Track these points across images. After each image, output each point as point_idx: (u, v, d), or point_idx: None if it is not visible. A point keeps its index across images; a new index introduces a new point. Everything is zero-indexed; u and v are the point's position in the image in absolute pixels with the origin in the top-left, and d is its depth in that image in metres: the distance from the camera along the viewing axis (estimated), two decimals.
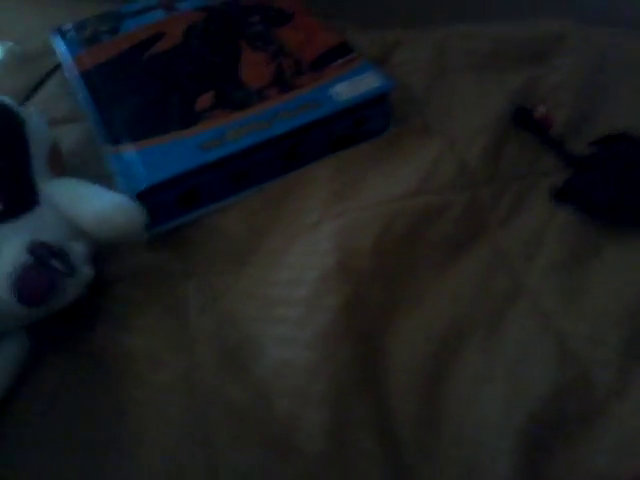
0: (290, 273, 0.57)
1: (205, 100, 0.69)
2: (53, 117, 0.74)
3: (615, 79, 0.72)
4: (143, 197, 0.59)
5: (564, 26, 0.78)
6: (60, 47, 0.79)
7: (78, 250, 0.51)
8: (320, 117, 0.67)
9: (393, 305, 0.54)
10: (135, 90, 0.72)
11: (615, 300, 0.53)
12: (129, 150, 0.63)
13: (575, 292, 0.54)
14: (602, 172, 0.62)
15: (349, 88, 0.70)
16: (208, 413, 0.49)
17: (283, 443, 0.47)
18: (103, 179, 0.58)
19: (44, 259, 0.49)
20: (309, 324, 0.52)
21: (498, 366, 0.50)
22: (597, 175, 0.62)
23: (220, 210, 0.64)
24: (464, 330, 0.52)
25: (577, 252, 0.57)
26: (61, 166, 0.61)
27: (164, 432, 0.48)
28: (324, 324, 0.51)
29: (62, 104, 0.76)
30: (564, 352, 0.50)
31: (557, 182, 0.63)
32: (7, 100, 0.57)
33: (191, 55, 0.77)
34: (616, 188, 0.60)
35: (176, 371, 0.51)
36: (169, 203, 0.63)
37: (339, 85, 0.70)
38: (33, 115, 0.59)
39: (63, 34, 0.81)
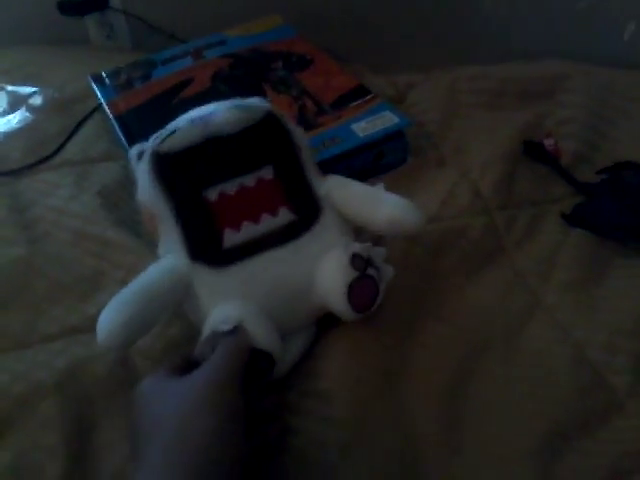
0: None
1: None
2: (91, 156, 0.80)
3: (618, 112, 0.77)
4: None
5: (566, 65, 0.84)
6: (96, 92, 0.85)
7: (378, 253, 0.54)
8: (342, 151, 0.72)
9: (416, 320, 0.57)
10: None
11: (627, 314, 0.56)
12: None
13: (590, 307, 0.57)
14: (610, 197, 0.66)
15: (368, 125, 0.75)
16: None
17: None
18: (138, 215, 0.61)
19: (364, 270, 0.53)
20: None
21: (519, 373, 0.53)
22: (605, 200, 0.66)
23: None
24: (484, 343, 0.55)
25: (590, 271, 0.61)
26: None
27: None
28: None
29: (99, 144, 0.81)
30: (582, 360, 0.53)
31: (568, 208, 0.67)
32: (275, 109, 0.57)
33: (218, 99, 0.82)
34: (623, 211, 0.64)
35: None
36: None
37: (359, 123, 0.75)
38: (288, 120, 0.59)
39: (99, 80, 0.87)
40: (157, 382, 0.45)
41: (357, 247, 0.53)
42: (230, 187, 0.54)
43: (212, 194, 0.53)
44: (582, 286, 0.59)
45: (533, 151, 0.75)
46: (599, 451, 0.47)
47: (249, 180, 0.55)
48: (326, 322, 0.57)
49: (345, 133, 0.74)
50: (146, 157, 0.54)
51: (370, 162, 0.75)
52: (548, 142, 0.74)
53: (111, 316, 0.47)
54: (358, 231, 0.57)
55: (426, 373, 0.53)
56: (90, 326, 0.49)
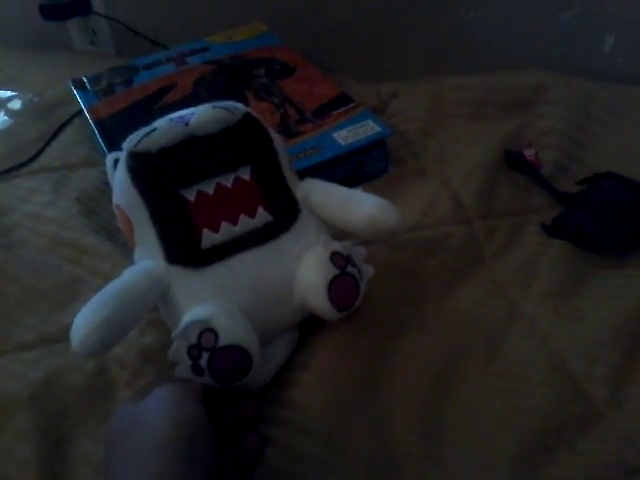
0: None
1: None
2: (70, 162, 0.79)
3: (598, 124, 0.78)
4: None
5: (547, 76, 0.84)
6: (77, 98, 0.84)
7: (358, 252, 0.54)
8: (323, 160, 0.72)
9: (397, 329, 0.57)
10: None
11: (606, 323, 0.56)
12: None
13: (569, 317, 0.57)
14: (589, 208, 0.67)
15: (350, 134, 0.75)
16: None
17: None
18: (116, 221, 0.60)
19: (344, 268, 0.53)
20: None
21: (498, 383, 0.53)
22: (585, 211, 0.67)
23: None
24: (464, 352, 0.55)
25: (569, 281, 0.61)
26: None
27: None
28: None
29: (79, 150, 0.80)
30: (561, 370, 0.53)
31: (548, 218, 0.67)
32: (252, 111, 0.57)
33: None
34: (603, 221, 0.64)
35: None
36: None
37: (340, 132, 0.75)
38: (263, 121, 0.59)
39: (80, 85, 0.86)
40: (127, 407, 0.45)
41: (337, 245, 0.53)
42: (208, 187, 0.54)
43: (190, 194, 0.53)
44: (562, 296, 0.59)
45: (514, 161, 0.75)
46: (578, 462, 0.47)
47: (227, 180, 0.54)
48: (308, 328, 0.56)
49: (327, 141, 0.74)
50: (123, 157, 0.54)
51: (351, 171, 0.75)
52: (528, 152, 0.75)
53: (86, 319, 0.46)
54: (337, 236, 0.57)
55: (406, 381, 0.53)
56: (66, 335, 0.48)
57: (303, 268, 0.54)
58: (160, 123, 0.54)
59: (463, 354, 0.55)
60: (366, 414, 0.51)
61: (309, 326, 0.57)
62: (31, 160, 0.79)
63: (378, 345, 0.56)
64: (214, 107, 0.56)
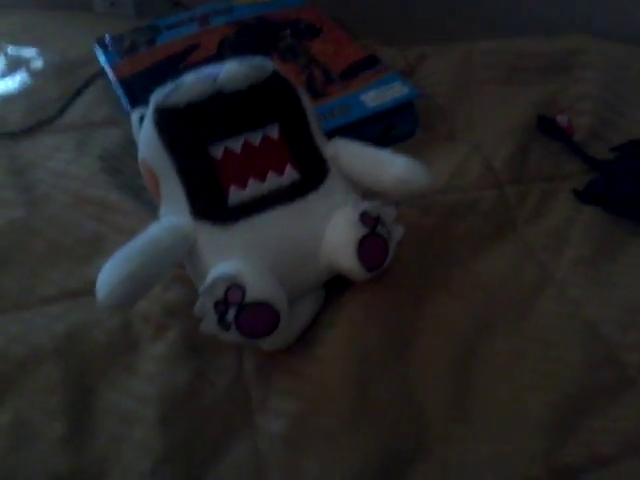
0: None
1: None
2: (92, 120, 0.78)
3: (633, 90, 0.75)
4: None
5: (583, 41, 0.81)
6: (100, 57, 0.83)
7: (388, 212, 0.53)
8: (350, 121, 0.70)
9: (425, 291, 0.56)
10: None
11: None
12: None
13: (602, 283, 0.56)
14: (624, 174, 0.65)
15: (377, 96, 0.73)
16: None
17: None
18: (140, 179, 0.59)
19: (374, 228, 0.52)
20: None
21: (529, 347, 0.52)
22: (619, 177, 0.65)
23: None
24: (493, 317, 0.54)
25: (602, 247, 0.60)
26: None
27: None
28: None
29: (101, 109, 0.79)
30: (594, 336, 0.52)
31: (581, 184, 0.66)
32: (281, 69, 0.56)
33: None
34: (637, 188, 0.63)
35: None
36: None
37: (368, 93, 0.73)
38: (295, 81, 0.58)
39: (103, 45, 0.84)
40: None
41: (366, 205, 0.52)
42: (235, 144, 0.53)
43: (217, 151, 0.52)
44: (594, 263, 0.58)
45: (546, 127, 0.73)
46: (609, 427, 0.46)
47: (254, 138, 0.53)
48: (334, 287, 0.56)
49: (354, 103, 0.72)
50: (149, 112, 0.53)
51: (379, 134, 0.73)
52: (561, 118, 0.73)
53: (111, 273, 0.46)
54: (366, 197, 0.55)
55: (434, 343, 0.52)
56: (90, 290, 0.48)
57: (332, 228, 0.53)
58: (188, 79, 0.53)
59: (492, 318, 0.54)
60: (393, 373, 0.50)
61: (335, 286, 0.56)
62: (54, 118, 0.78)
63: (406, 307, 0.55)
64: (242, 64, 0.55)
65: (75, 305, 0.56)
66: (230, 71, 0.54)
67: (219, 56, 0.81)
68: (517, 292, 0.56)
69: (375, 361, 0.51)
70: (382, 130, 0.73)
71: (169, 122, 0.52)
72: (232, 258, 0.50)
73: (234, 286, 0.47)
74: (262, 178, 0.53)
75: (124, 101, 0.75)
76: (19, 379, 0.51)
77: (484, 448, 0.46)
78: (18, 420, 0.49)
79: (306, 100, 0.57)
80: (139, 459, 0.46)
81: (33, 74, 0.86)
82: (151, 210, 0.60)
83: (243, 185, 0.52)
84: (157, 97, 0.53)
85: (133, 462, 0.46)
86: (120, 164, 0.71)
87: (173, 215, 0.53)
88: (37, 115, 0.78)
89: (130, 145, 0.71)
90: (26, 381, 0.51)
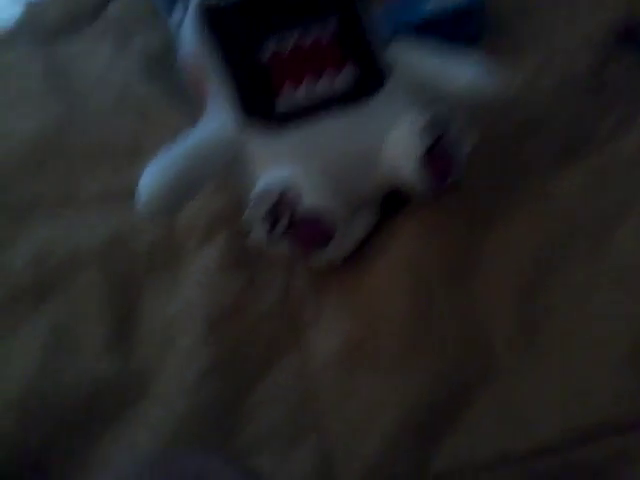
0: None
1: None
2: (131, 22, 0.74)
3: None
4: None
5: None
6: None
7: (456, 124, 0.49)
8: (412, 22, 0.65)
9: (491, 214, 0.51)
10: None
11: None
12: None
13: None
14: None
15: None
16: None
17: None
18: (181, 81, 0.56)
19: (440, 139, 0.48)
20: None
21: (606, 277, 0.47)
22: None
23: None
24: (568, 241, 0.49)
25: None
26: None
27: None
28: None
29: (140, 10, 0.75)
30: None
31: None
32: None
33: None
34: None
35: None
36: None
37: None
38: None
39: None
40: None
41: (431, 114, 0.47)
42: (288, 41, 0.48)
43: (267, 50, 0.47)
44: None
45: (627, 39, 0.66)
46: None
47: (308, 36, 0.48)
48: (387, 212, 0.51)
49: (412, 5, 0.66)
50: (192, 11, 0.48)
51: (444, 36, 0.66)
52: None
53: (154, 178, 0.43)
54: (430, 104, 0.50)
55: (502, 269, 0.48)
56: (130, 194, 0.44)
57: (393, 137, 0.48)
58: None
59: (564, 246, 0.49)
60: (456, 300, 0.46)
61: (388, 210, 0.52)
62: (91, 18, 0.74)
63: (469, 231, 0.50)
64: None
65: (115, 209, 0.53)
66: None
67: None
68: (593, 219, 0.50)
69: (436, 285, 0.47)
70: (447, 33, 0.67)
71: (214, 21, 0.47)
72: (285, 164, 0.46)
73: (288, 193, 0.43)
74: (316, 80, 0.48)
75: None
76: (59, 284, 0.49)
77: (554, 385, 0.42)
78: (60, 326, 0.47)
79: None
80: (185, 368, 0.44)
81: None
82: (194, 113, 0.56)
83: (295, 87, 0.48)
84: None
85: (179, 371, 0.44)
86: (160, 67, 0.67)
87: (219, 120, 0.48)
88: (74, 15, 0.74)
89: (170, 48, 0.67)
90: (67, 286, 0.49)
